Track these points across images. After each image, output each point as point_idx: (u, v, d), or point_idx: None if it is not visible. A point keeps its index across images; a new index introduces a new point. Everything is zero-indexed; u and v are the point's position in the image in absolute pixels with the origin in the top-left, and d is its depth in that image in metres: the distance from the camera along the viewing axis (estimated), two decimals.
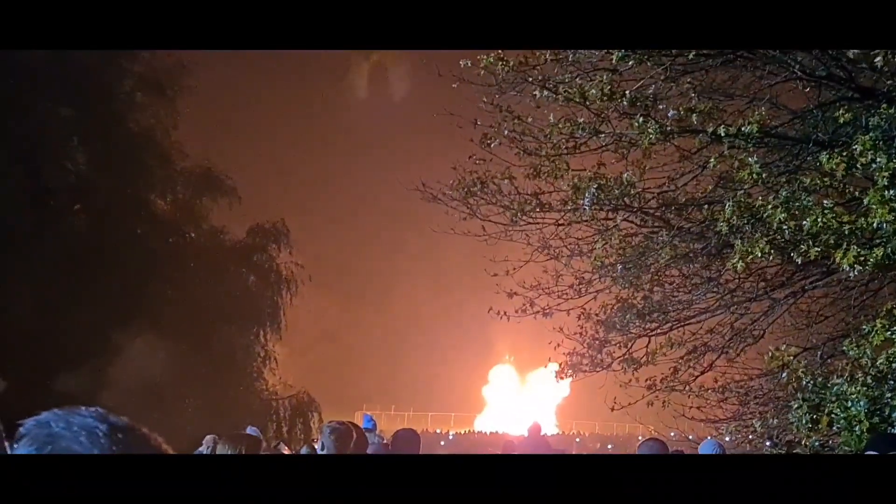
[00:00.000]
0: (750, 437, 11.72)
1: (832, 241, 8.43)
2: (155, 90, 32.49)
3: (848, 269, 8.25)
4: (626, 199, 11.04)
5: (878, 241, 8.26)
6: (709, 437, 11.35)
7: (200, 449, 10.91)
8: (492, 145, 11.52)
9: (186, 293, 33.11)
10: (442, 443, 55.00)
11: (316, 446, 9.27)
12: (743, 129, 9.43)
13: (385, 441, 10.31)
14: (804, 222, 8.53)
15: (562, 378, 13.22)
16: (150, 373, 28.91)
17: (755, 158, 9.51)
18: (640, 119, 10.12)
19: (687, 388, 12.44)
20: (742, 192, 9.71)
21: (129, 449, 2.08)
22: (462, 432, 64.79)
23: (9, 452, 2.19)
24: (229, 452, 6.81)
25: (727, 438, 11.67)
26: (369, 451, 9.94)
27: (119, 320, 29.32)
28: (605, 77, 10.21)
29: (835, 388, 8.34)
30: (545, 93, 10.54)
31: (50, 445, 2.04)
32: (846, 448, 8.11)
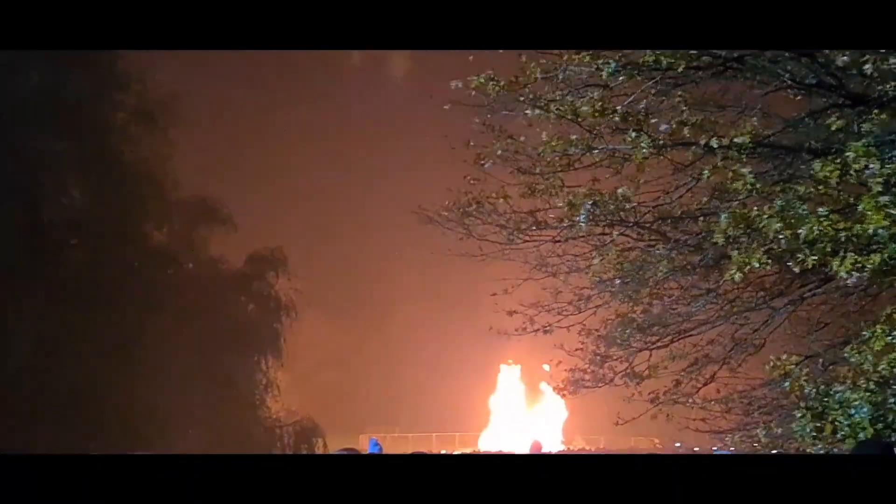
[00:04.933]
0: (755, 446, 11.68)
1: (829, 249, 8.43)
2: (147, 121, 32.59)
3: (845, 276, 8.26)
4: (621, 213, 11.05)
5: (874, 247, 8.25)
6: (714, 449, 11.35)
7: None
8: (485, 165, 11.53)
9: (186, 323, 33.08)
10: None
11: None
12: (735, 139, 9.45)
13: None
14: (800, 231, 8.54)
15: (563, 394, 13.20)
16: (152, 404, 28.85)
17: (749, 169, 9.52)
18: (633, 134, 10.14)
19: (690, 400, 12.41)
20: (737, 202, 9.71)
21: None
22: (467, 452, 64.49)
23: None
24: None
25: (732, 449, 11.64)
26: None
27: (119, 353, 29.28)
28: (596, 93, 10.22)
29: (837, 396, 8.33)
30: (537, 111, 10.55)
31: None
32: None
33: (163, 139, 33.67)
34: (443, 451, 61.98)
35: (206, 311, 34.25)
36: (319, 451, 34.15)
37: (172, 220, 35.76)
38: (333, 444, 34.86)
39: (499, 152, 11.38)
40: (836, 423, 8.10)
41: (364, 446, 11.06)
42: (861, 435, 7.75)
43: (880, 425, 7.80)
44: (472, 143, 11.65)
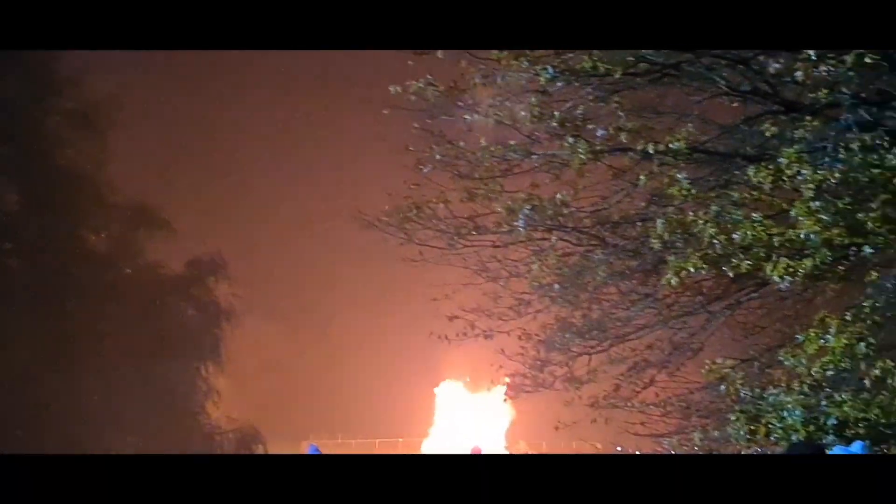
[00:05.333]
0: (695, 449, 11.77)
1: (762, 254, 8.53)
2: (83, 125, 32.04)
3: (778, 280, 8.37)
4: (560, 218, 11.09)
5: (806, 252, 8.37)
6: (653, 453, 11.42)
7: None
8: (425, 170, 11.52)
9: (125, 329, 32.60)
10: None
11: None
12: (671, 145, 9.53)
13: None
14: (735, 236, 8.63)
15: (505, 399, 13.21)
16: (90, 410, 28.40)
17: (685, 174, 9.61)
18: (571, 139, 10.18)
19: (629, 404, 12.47)
20: (673, 208, 9.79)
21: None
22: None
23: None
24: None
25: (671, 453, 11.72)
26: None
27: (57, 358, 28.81)
28: (534, 99, 10.25)
29: (771, 398, 8.43)
30: (476, 116, 10.56)
31: None
32: None
33: (99, 143, 33.16)
34: None
35: (145, 316, 33.77)
36: None
37: (110, 224, 35.26)
38: (275, 452, 34.59)
39: (438, 157, 11.37)
40: (770, 425, 8.19)
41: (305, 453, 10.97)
42: (794, 437, 7.85)
43: (812, 427, 7.91)
44: (411, 148, 11.64)
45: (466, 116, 10.69)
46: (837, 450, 6.08)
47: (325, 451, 13.58)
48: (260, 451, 35.24)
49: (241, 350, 39.63)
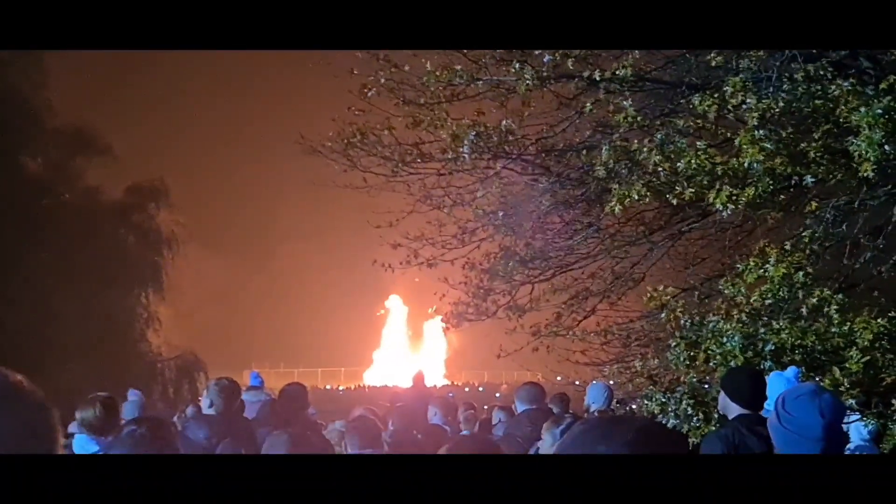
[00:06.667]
0: (633, 378, 11.93)
1: (706, 182, 8.59)
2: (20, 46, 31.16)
3: (721, 208, 8.43)
4: (505, 146, 11.05)
5: (749, 181, 8.43)
6: (594, 380, 11.57)
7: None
8: (369, 94, 11.39)
9: (63, 256, 32.18)
10: (334, 395, 54.93)
11: (202, 404, 9.10)
12: (617, 73, 9.51)
13: (272, 398, 10.19)
14: (678, 164, 8.67)
15: (449, 328, 13.27)
16: (27, 339, 28.05)
17: (630, 103, 9.60)
18: (517, 65, 10.11)
19: (571, 332, 12.59)
20: (618, 136, 9.80)
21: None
22: (352, 387, 64.83)
23: None
24: (87, 415, 6.66)
25: (611, 382, 11.87)
26: (257, 407, 9.84)
27: None
28: None
29: (711, 326, 8.54)
30: None
31: None
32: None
33: (37, 65, 32.37)
34: (327, 387, 62.16)
35: (83, 243, 33.32)
36: (201, 385, 33.76)
37: (48, 149, 34.57)
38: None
39: (383, 81, 11.24)
40: (709, 351, 8.31)
41: (246, 381, 10.94)
42: (732, 363, 7.98)
43: (750, 353, 8.04)
44: (355, 72, 11.49)
45: None
46: (773, 375, 6.18)
47: (268, 379, 13.56)
48: (202, 379, 35.20)
49: (182, 278, 39.49)
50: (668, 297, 9.44)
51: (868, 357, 7.86)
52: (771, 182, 8.32)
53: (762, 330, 8.26)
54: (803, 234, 9.15)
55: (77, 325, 31.00)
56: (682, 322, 8.94)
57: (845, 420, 7.66)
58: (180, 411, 15.55)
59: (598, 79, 9.62)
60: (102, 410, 6.72)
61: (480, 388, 58.47)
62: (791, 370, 5.40)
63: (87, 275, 32.30)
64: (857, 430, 7.82)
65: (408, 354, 76.61)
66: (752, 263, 8.76)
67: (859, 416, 7.91)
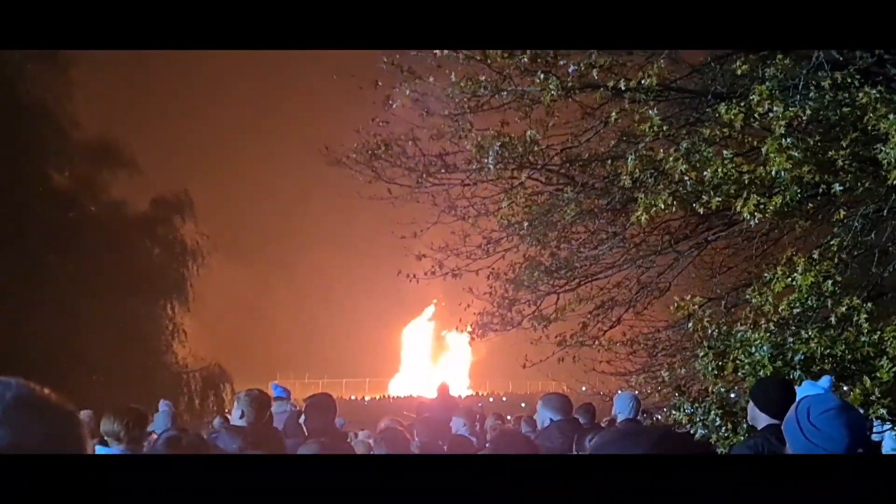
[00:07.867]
0: (659, 388, 11.88)
1: (732, 191, 8.54)
2: (46, 58, 31.45)
3: (748, 217, 8.38)
4: (530, 156, 11.03)
5: (776, 189, 8.39)
6: (621, 391, 11.51)
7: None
8: (394, 106, 11.42)
9: (89, 268, 32.39)
10: (359, 405, 54.93)
11: (231, 415, 9.12)
12: (643, 82, 9.48)
13: (299, 408, 10.20)
14: (705, 173, 8.63)
15: (474, 338, 13.25)
16: (53, 350, 28.23)
17: (655, 112, 9.57)
18: (541, 75, 10.10)
19: (596, 342, 12.55)
20: (643, 145, 9.77)
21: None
22: (377, 398, 64.80)
23: None
24: (114, 427, 6.67)
25: (637, 392, 11.82)
26: (284, 418, 9.86)
27: (21, 297, 28.55)
28: None
29: (739, 335, 8.48)
30: (445, 51, 10.44)
31: None
32: None
33: (63, 78, 32.65)
34: (352, 397, 62.18)
35: (109, 255, 33.54)
36: (227, 397, 33.87)
37: (74, 161, 34.84)
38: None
39: (407, 93, 11.27)
40: (738, 361, 8.25)
41: (269, 393, 10.94)
42: (761, 372, 7.91)
43: (779, 363, 7.97)
44: (380, 84, 11.52)
45: (436, 51, 10.57)
46: (806, 384, 6.12)
47: (293, 390, 13.57)
48: (227, 391, 35.31)
49: (207, 290, 39.64)
50: (695, 307, 9.39)
51: None
52: (798, 190, 8.26)
53: (790, 339, 8.20)
54: (831, 242, 9.07)
55: (103, 337, 31.15)
56: (710, 331, 8.89)
57: (877, 429, 7.60)
58: (208, 423, 15.59)
59: (622, 88, 9.59)
60: (130, 421, 6.74)
61: (504, 399, 58.32)
62: (825, 379, 5.34)
63: (112, 287, 32.48)
64: (892, 440, 7.75)
65: (432, 365, 76.49)
66: (779, 272, 8.70)
67: (891, 426, 7.84)
